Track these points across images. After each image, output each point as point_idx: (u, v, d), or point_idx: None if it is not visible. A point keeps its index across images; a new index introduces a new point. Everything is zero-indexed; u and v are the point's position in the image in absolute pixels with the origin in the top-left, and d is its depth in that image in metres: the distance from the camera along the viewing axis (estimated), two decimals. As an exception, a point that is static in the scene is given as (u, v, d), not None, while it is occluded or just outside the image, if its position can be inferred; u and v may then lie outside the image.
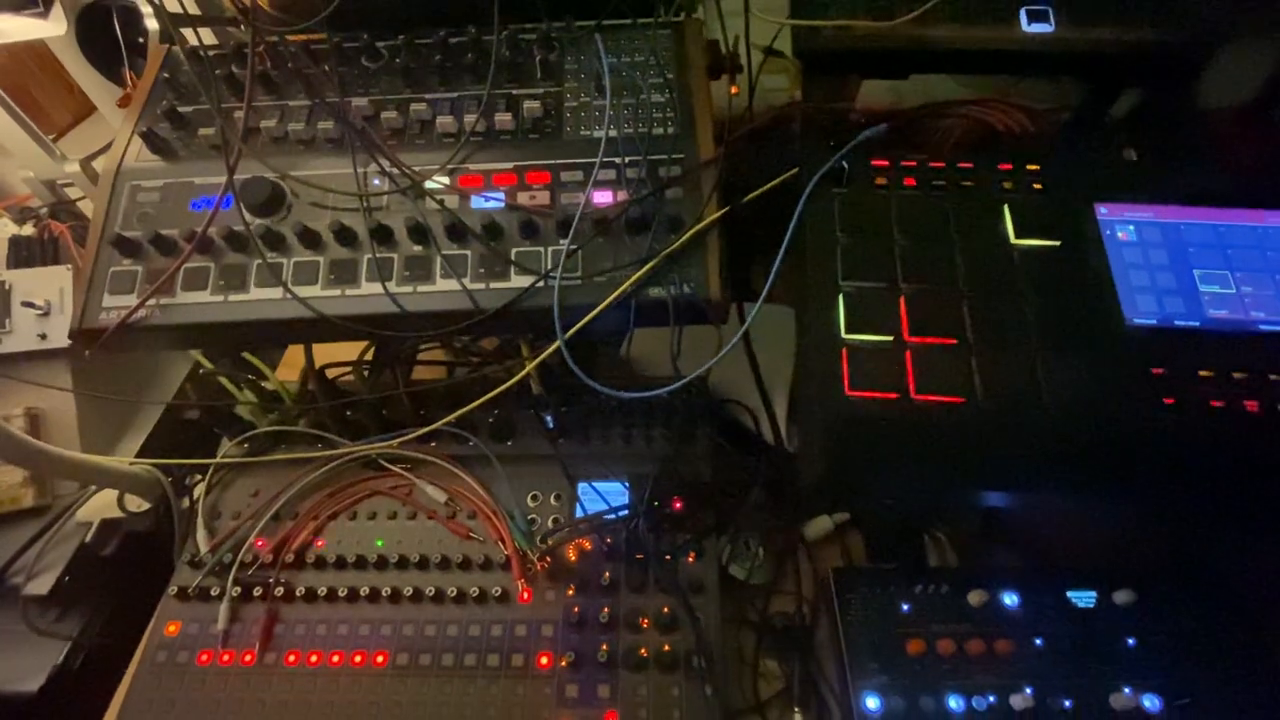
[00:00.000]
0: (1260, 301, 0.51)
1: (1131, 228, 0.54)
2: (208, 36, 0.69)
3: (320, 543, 0.67)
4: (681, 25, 0.68)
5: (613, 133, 0.61)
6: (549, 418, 0.69)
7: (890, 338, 0.51)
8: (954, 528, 0.69)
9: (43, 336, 0.74)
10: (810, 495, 0.58)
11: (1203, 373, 0.48)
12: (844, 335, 0.51)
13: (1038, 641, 0.60)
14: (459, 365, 0.77)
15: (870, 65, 0.70)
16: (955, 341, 0.50)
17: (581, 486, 0.69)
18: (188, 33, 0.67)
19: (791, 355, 0.74)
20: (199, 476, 0.73)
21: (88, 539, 0.72)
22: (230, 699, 0.59)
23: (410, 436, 0.69)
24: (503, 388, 0.62)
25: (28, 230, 0.78)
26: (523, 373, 0.60)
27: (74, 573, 0.71)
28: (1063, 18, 0.64)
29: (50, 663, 0.72)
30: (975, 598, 0.62)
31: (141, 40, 0.83)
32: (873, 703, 0.57)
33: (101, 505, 0.73)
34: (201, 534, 0.67)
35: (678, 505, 0.67)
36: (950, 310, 0.51)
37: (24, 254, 0.77)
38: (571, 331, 0.56)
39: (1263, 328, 0.50)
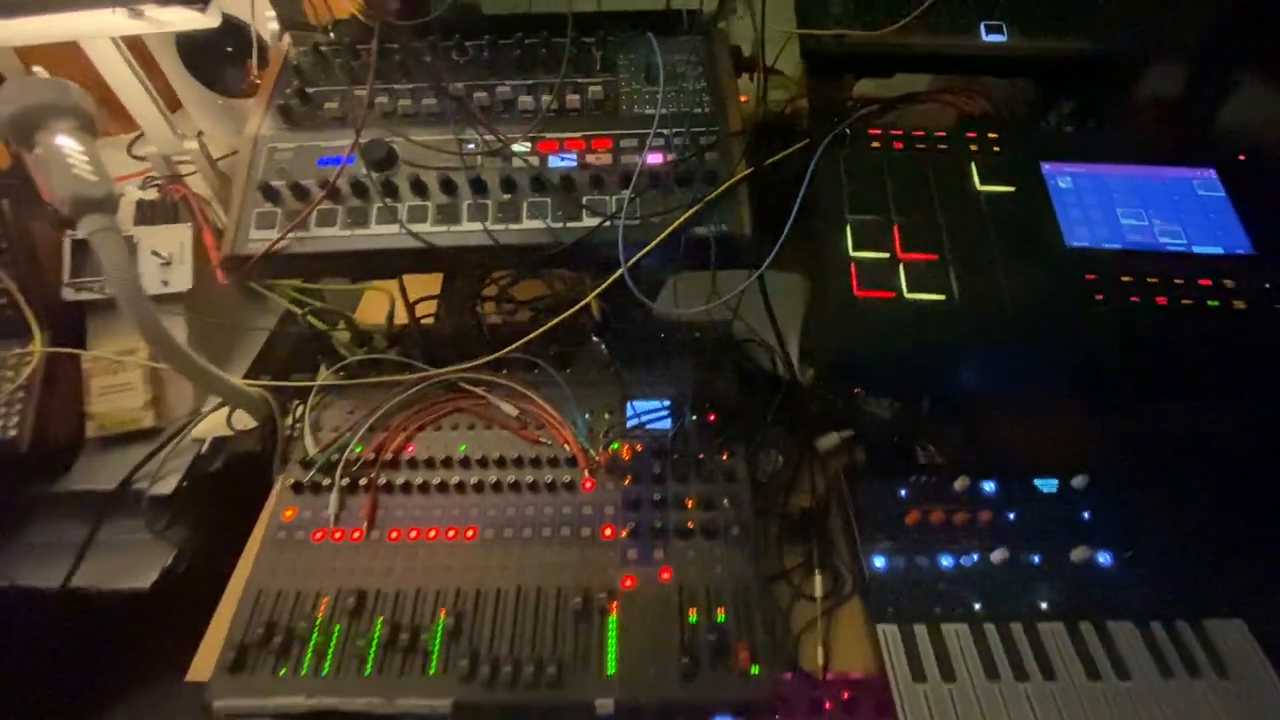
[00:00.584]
0: (1164, 230, 0.67)
1: (1069, 178, 0.70)
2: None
3: (411, 448, 0.79)
4: (712, 33, 0.85)
5: (662, 111, 0.77)
6: (603, 345, 0.83)
7: (886, 255, 0.66)
8: (939, 442, 0.82)
9: (165, 283, 0.87)
10: (827, 379, 0.71)
11: (1124, 278, 0.64)
12: (851, 253, 0.66)
13: (1011, 515, 0.73)
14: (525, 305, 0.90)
15: (862, 66, 0.87)
16: (936, 257, 0.65)
17: (630, 405, 0.82)
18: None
19: (801, 312, 0.89)
20: (298, 402, 0.85)
21: (202, 452, 0.83)
22: (344, 566, 0.70)
23: (484, 361, 0.81)
24: (569, 312, 0.75)
25: (151, 195, 0.91)
26: (588, 297, 0.74)
27: (190, 480, 0.82)
28: (1014, 31, 0.82)
29: (160, 564, 0.83)
30: (959, 483, 0.75)
31: (229, 50, 0.99)
32: (879, 562, 0.70)
33: (211, 427, 0.85)
34: (309, 440, 0.79)
35: (711, 417, 0.80)
36: (932, 236, 0.67)
37: (147, 214, 0.90)
38: (633, 260, 0.70)
39: (1168, 247, 0.66)
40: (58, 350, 0.81)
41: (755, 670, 0.63)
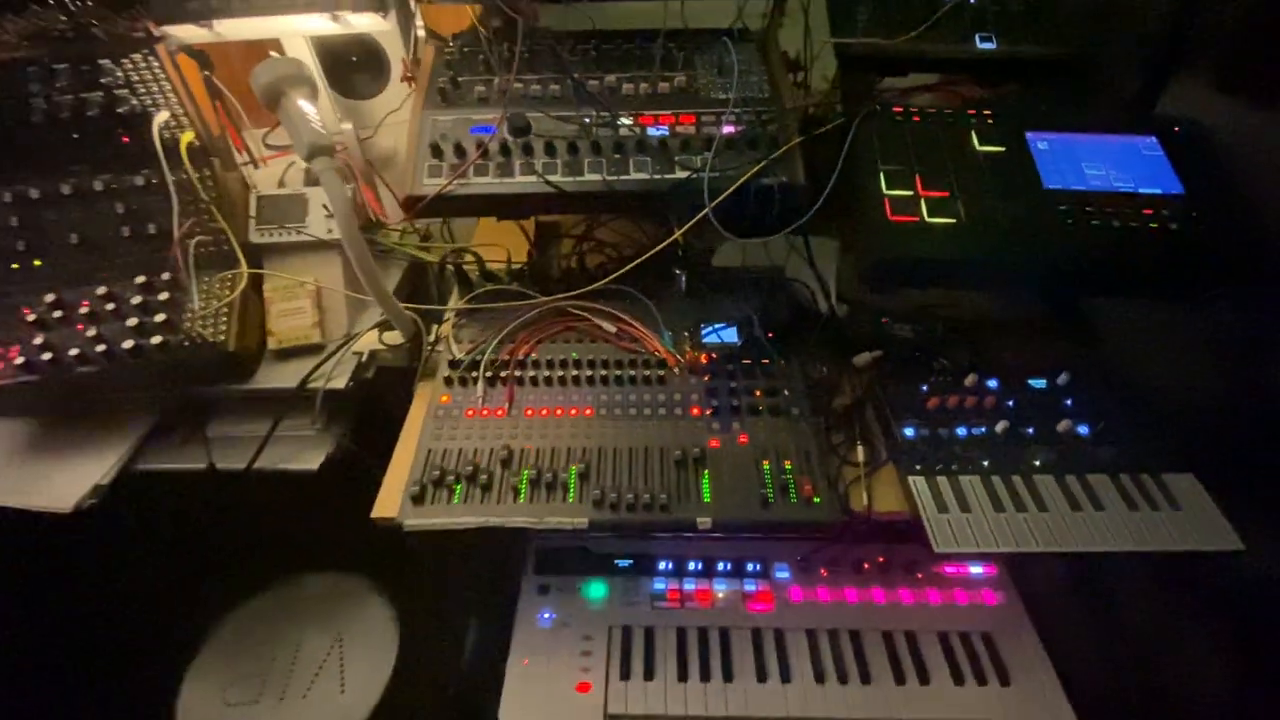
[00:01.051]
0: (1118, 177, 0.89)
1: (1046, 142, 0.93)
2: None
3: (535, 354, 0.99)
4: (767, 40, 1.09)
5: (734, 95, 1.00)
6: (684, 278, 1.04)
7: (910, 192, 0.88)
8: (950, 356, 1.03)
9: (330, 230, 1.08)
10: (868, 284, 0.91)
11: (1087, 208, 0.86)
12: (885, 191, 0.88)
13: (1010, 403, 0.93)
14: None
15: (882, 67, 1.11)
16: (948, 194, 0.88)
17: (703, 326, 1.03)
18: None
19: (834, 265, 1.11)
20: (437, 324, 1.05)
21: (362, 360, 1.03)
22: (492, 433, 0.90)
23: (586, 290, 1.02)
24: (661, 245, 0.97)
25: (316, 165, 1.13)
26: (678, 232, 0.95)
27: (354, 381, 1.02)
28: (1001, 40, 1.06)
29: (325, 452, 1.03)
30: (969, 380, 0.95)
31: (354, 59, 1.23)
32: (909, 431, 0.90)
33: (364, 344, 1.06)
34: (455, 348, 0.99)
35: (770, 335, 1.01)
36: (944, 179, 0.89)
37: (312, 178, 1.12)
38: (716, 201, 0.92)
39: (1120, 188, 0.88)
40: (258, 271, 1.02)
41: (818, 500, 0.82)
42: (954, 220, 0.86)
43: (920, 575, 0.98)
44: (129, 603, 1.15)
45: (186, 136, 0.99)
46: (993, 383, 0.96)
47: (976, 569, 0.99)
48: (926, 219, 0.86)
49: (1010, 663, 0.89)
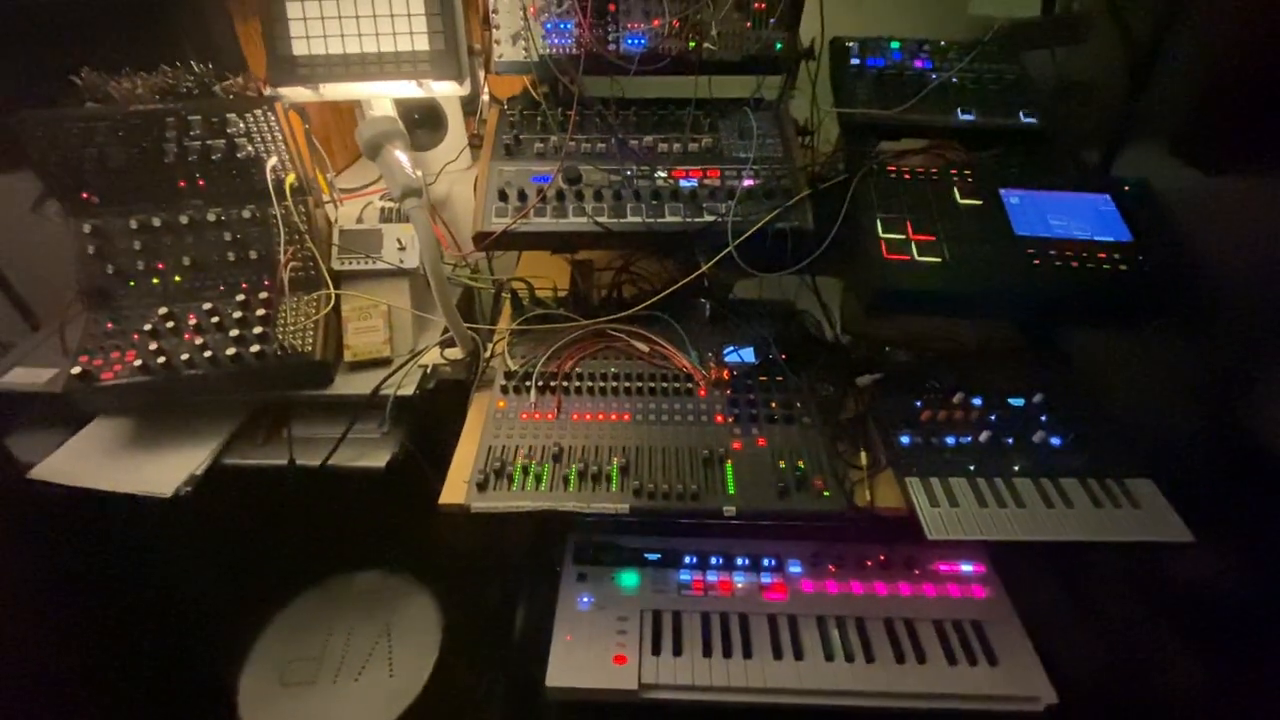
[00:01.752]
0: (1077, 227, 1.06)
1: (1018, 197, 1.11)
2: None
3: (579, 368, 1.14)
4: (779, 108, 1.28)
5: (752, 155, 1.18)
6: (708, 306, 1.20)
7: (903, 236, 1.05)
8: (940, 378, 1.18)
9: (401, 261, 1.25)
10: (867, 310, 1.07)
11: (1051, 251, 1.02)
12: (881, 234, 1.05)
13: (992, 417, 1.07)
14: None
15: (879, 132, 1.30)
16: (934, 238, 1.04)
17: (724, 348, 1.18)
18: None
19: (838, 300, 1.28)
20: (490, 343, 1.20)
21: (427, 372, 1.18)
22: (544, 434, 1.04)
23: (622, 316, 1.18)
24: (690, 278, 1.13)
25: (390, 204, 1.31)
26: (705, 266, 1.12)
27: (419, 390, 1.16)
28: (979, 113, 1.26)
29: (390, 452, 1.17)
30: (957, 398, 1.10)
31: (416, 117, 1.43)
32: (905, 440, 1.04)
33: (428, 358, 1.21)
34: (510, 361, 1.14)
35: (784, 356, 1.16)
36: (930, 226, 1.06)
37: (385, 216, 1.29)
38: (738, 241, 1.09)
39: (1079, 236, 1.05)
40: (344, 293, 1.18)
41: (827, 494, 0.96)
42: (939, 259, 1.02)
43: (917, 571, 1.10)
44: (201, 587, 1.26)
45: (290, 178, 1.17)
46: (977, 400, 1.10)
47: (967, 567, 1.11)
48: (916, 257, 1.02)
49: (997, 646, 1.00)
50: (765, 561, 1.11)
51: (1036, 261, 1.02)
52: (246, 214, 1.18)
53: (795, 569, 1.11)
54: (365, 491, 1.18)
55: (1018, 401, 1.11)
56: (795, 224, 1.11)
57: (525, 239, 1.12)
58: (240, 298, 1.15)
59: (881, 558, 1.12)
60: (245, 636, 1.22)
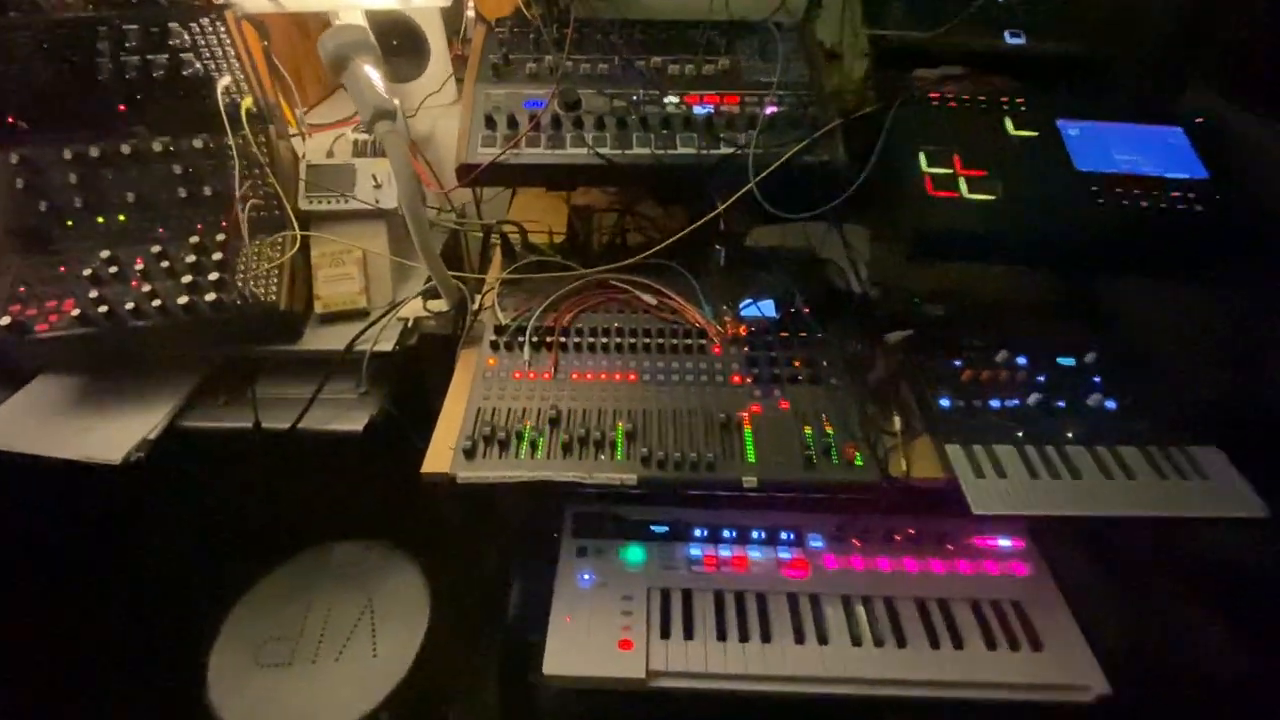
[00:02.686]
0: (1145, 163, 0.93)
1: (1077, 129, 0.97)
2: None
3: (579, 323, 1.02)
4: (805, 29, 1.13)
5: (776, 77, 1.04)
6: (723, 252, 1.07)
7: (950, 170, 0.92)
8: (977, 334, 1.06)
9: (377, 200, 1.11)
10: (908, 255, 0.95)
11: (1117, 189, 0.90)
12: (925, 169, 0.92)
13: (1041, 378, 0.96)
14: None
15: (914, 58, 1.15)
16: (985, 173, 0.91)
17: (741, 302, 1.06)
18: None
19: (865, 250, 1.15)
20: (475, 295, 1.08)
21: (408, 325, 1.06)
22: (539, 394, 0.92)
23: (627, 264, 1.05)
24: (704, 220, 1.00)
25: (363, 136, 1.16)
26: (723, 206, 0.98)
27: (399, 346, 1.04)
28: (1030, 37, 1.11)
29: (369, 414, 1.05)
30: (1001, 356, 0.98)
31: (394, 43, 1.27)
32: (945, 402, 0.93)
33: (410, 310, 1.08)
34: (500, 314, 1.01)
35: (806, 310, 1.04)
36: (980, 160, 0.93)
37: (359, 150, 1.15)
38: (761, 176, 0.95)
39: (1148, 173, 0.92)
40: (311, 234, 1.05)
41: (859, 462, 0.85)
42: (992, 196, 0.89)
43: (951, 547, 1.00)
44: (166, 560, 1.16)
45: (246, 102, 1.02)
46: (1022, 359, 0.99)
47: (1005, 542, 1.01)
48: (966, 195, 0.89)
49: (1041, 629, 0.91)
50: (783, 535, 1.01)
51: (1101, 200, 0.89)
52: (198, 144, 1.04)
53: (816, 543, 1.01)
54: (343, 456, 1.07)
55: (1067, 361, 0.99)
56: (825, 158, 0.98)
57: (516, 173, 0.98)
58: (194, 240, 1.01)
59: (911, 531, 1.02)
60: (215, 613, 1.12)
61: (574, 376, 0.95)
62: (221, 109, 0.99)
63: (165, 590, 1.19)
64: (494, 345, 0.98)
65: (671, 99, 1.02)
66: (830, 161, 0.98)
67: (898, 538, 1.02)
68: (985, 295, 1.08)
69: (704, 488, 0.84)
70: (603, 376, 0.95)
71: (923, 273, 1.07)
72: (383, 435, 1.06)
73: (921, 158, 0.93)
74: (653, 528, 1.00)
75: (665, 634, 0.90)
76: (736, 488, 0.83)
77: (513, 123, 0.98)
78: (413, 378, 1.13)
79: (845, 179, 0.97)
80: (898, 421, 0.94)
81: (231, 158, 1.02)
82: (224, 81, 1.00)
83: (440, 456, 0.88)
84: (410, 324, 1.06)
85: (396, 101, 1.16)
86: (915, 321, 1.06)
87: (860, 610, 0.94)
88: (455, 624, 1.13)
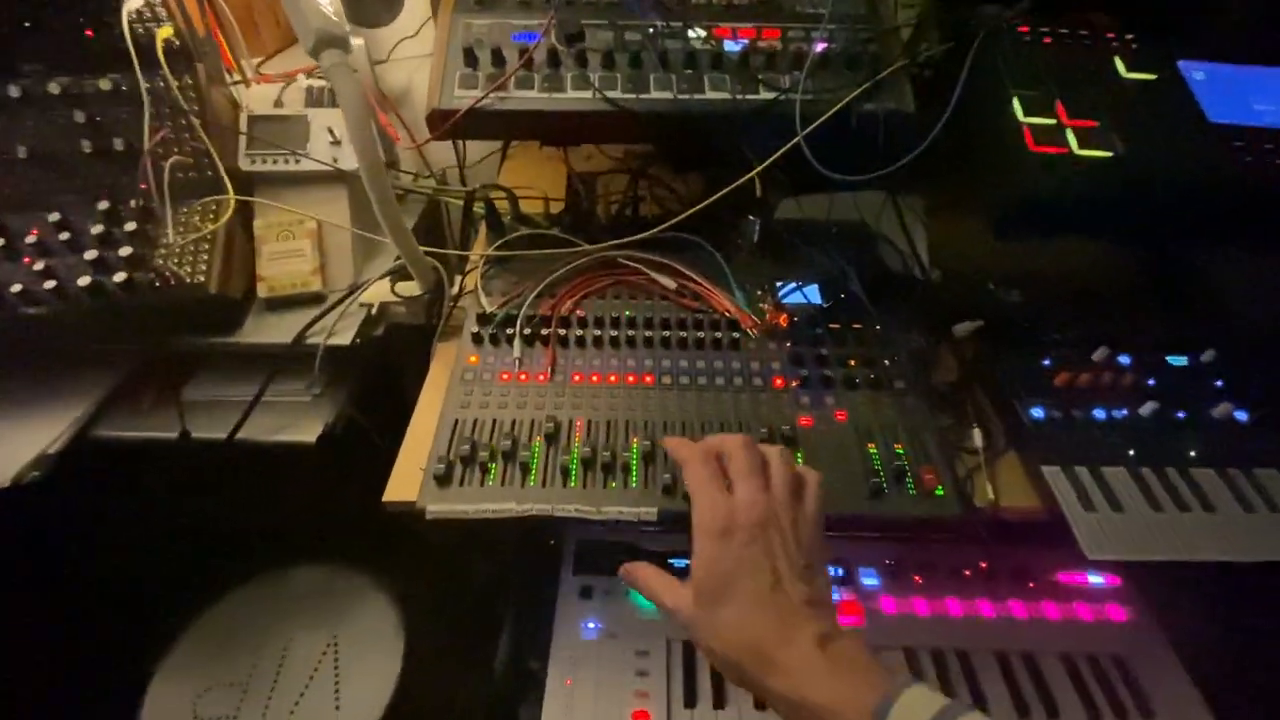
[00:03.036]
0: (1296, 113, 0.74)
1: (1203, 73, 0.78)
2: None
3: (581, 311, 0.83)
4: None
5: (827, 7, 0.84)
6: (758, 225, 0.88)
7: (1053, 120, 0.72)
8: (1064, 328, 0.88)
9: (335, 160, 0.91)
10: (1000, 229, 0.76)
11: (1267, 145, 0.71)
12: (1022, 119, 0.72)
13: (1150, 381, 0.78)
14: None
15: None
16: (1097, 124, 0.72)
17: (777, 283, 0.87)
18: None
19: (922, 226, 0.96)
20: (457, 276, 0.89)
21: (371, 313, 0.86)
22: (533, 402, 0.73)
23: (643, 237, 0.86)
24: (739, 182, 0.81)
25: (319, 82, 0.96)
26: (761, 165, 0.79)
27: (360, 339, 0.85)
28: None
29: (323, 421, 0.86)
30: (1099, 354, 0.80)
31: None
32: (1037, 413, 0.74)
33: (375, 294, 0.88)
34: (484, 300, 0.82)
35: (860, 296, 0.85)
36: (1090, 108, 0.73)
37: (314, 98, 0.95)
38: (811, 128, 0.76)
39: (1300, 126, 0.73)
40: (249, 199, 0.85)
41: (940, 491, 0.67)
42: (1110, 153, 0.70)
43: (1032, 585, 0.83)
44: (84, 595, 0.98)
45: (164, 32, 0.81)
46: (1124, 358, 0.81)
47: (1097, 578, 0.84)
48: (1076, 150, 0.70)
49: (1150, 691, 0.74)
50: (829, 570, 0.83)
51: (1249, 159, 0.70)
52: (105, 86, 0.83)
53: (870, 581, 0.83)
54: (298, 470, 0.89)
55: (1178, 360, 0.81)
56: (891, 105, 0.78)
57: (502, 122, 0.78)
58: (102, 205, 0.81)
59: (982, 565, 0.84)
60: (146, 656, 0.94)
61: (575, 379, 0.76)
62: (128, 39, 0.78)
63: (86, 631, 1.01)
64: (476, 338, 0.79)
65: (698, 31, 0.82)
66: (898, 110, 0.78)
67: (967, 573, 0.84)
68: (1070, 276, 0.90)
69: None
70: (611, 379, 0.76)
71: (996, 251, 0.88)
72: (344, 444, 0.87)
73: (1016, 105, 0.73)
74: (673, 561, 0.82)
75: (690, 702, 0.72)
76: (785, 525, 0.65)
77: (499, 59, 0.78)
78: (383, 373, 0.95)
79: (915, 132, 0.77)
80: (978, 436, 0.76)
81: (151, 100, 0.82)
82: (132, 3, 0.79)
83: (407, 481, 0.69)
84: (374, 311, 0.87)
85: (360, 42, 0.97)
86: (987, 310, 0.88)
87: (929, 667, 0.76)
88: (433, 669, 0.96)
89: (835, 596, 0.82)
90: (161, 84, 0.82)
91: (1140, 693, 0.75)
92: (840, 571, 0.84)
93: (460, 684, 0.97)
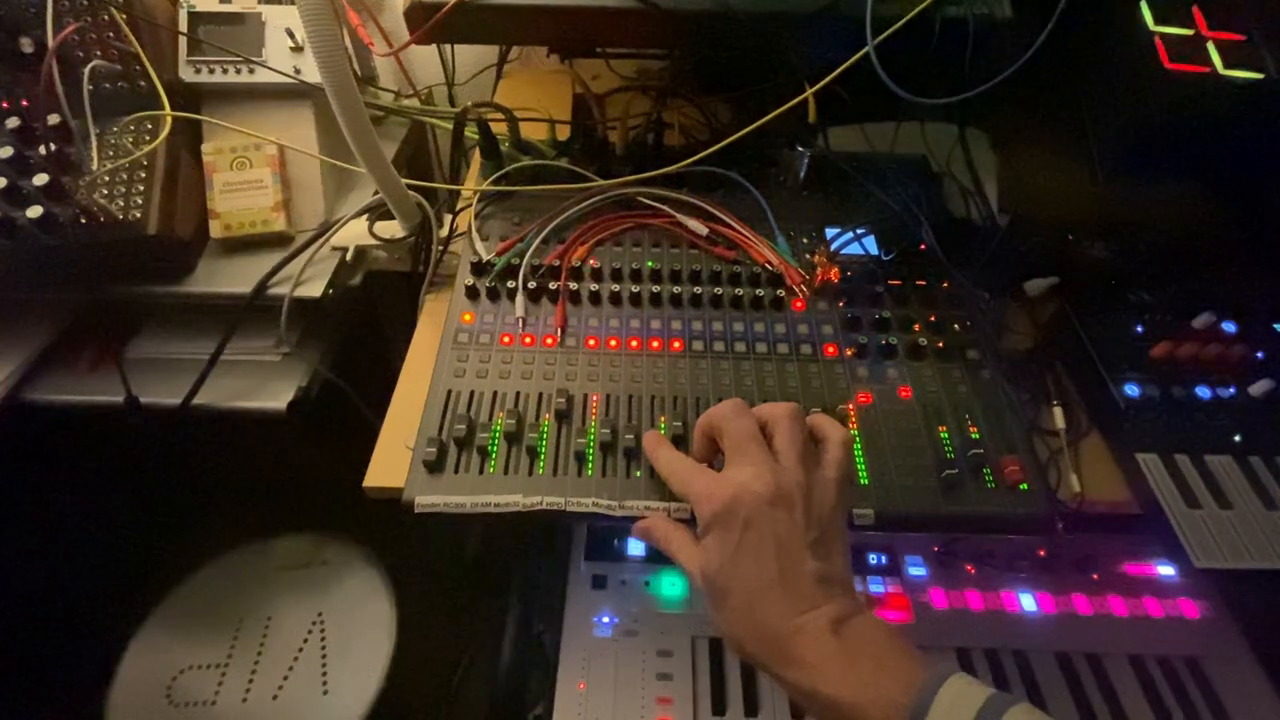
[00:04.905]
0: None
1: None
2: None
3: (594, 261, 0.70)
4: None
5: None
6: (807, 158, 0.74)
7: (1191, 31, 0.58)
8: (1154, 287, 0.76)
9: (297, 70, 0.76)
10: (1122, 164, 0.63)
11: None
12: (1154, 28, 0.58)
13: (1260, 355, 0.67)
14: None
15: None
16: (1244, 38, 0.58)
17: (827, 230, 0.74)
18: None
19: (991, 167, 0.82)
20: (448, 215, 0.75)
21: (346, 259, 0.73)
22: (540, 371, 0.61)
23: (669, 171, 0.72)
24: (791, 104, 0.66)
25: (276, -26, 0.79)
26: (823, 82, 0.65)
27: (333, 288, 0.72)
28: None
29: (295, 385, 0.74)
30: (1201, 320, 0.69)
31: None
32: (1132, 391, 0.64)
33: (350, 236, 0.75)
34: (480, 245, 0.69)
35: (922, 246, 0.73)
36: (1235, 17, 0.59)
37: (272, -5, 0.78)
38: (883, 36, 0.61)
39: None
40: (189, 116, 0.70)
41: (1025, 486, 0.56)
42: (1261, 75, 0.56)
43: (1096, 576, 0.75)
44: (38, 574, 0.88)
45: (68, -104, 0.64)
46: (1229, 325, 0.70)
47: (1166, 569, 0.76)
48: (1221, 70, 0.56)
49: (1227, 698, 0.67)
50: (872, 559, 0.74)
51: None
52: (4, -31, 0.67)
53: (917, 571, 0.74)
54: (272, 434, 0.78)
55: (1290, 328, 0.70)
56: (983, 9, 0.63)
57: (499, 19, 0.62)
58: (11, 123, 0.66)
59: (1041, 553, 0.76)
60: (118, 633, 0.86)
61: (590, 343, 0.64)
62: (20, -99, 0.61)
63: (53, 602, 0.92)
64: (471, 292, 0.67)
65: (743, -91, 0.65)
66: (992, 15, 0.63)
67: (1024, 562, 0.75)
68: (1169, 226, 0.76)
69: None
70: (632, 344, 0.64)
71: (1088, 195, 0.75)
72: (322, 408, 0.76)
73: (1145, 10, 0.59)
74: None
75: (720, 709, 0.64)
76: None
77: (495, -61, 0.62)
78: (364, 327, 0.82)
79: (1012, 43, 0.63)
80: (1059, 416, 0.65)
81: (57, -9, 0.65)
82: None
83: (391, 462, 0.58)
84: (349, 256, 0.74)
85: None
86: (1067, 264, 0.76)
87: (984, 669, 0.68)
88: (428, 646, 0.88)
89: (880, 588, 0.73)
90: (71, -35, 0.66)
91: (1216, 700, 0.67)
92: (884, 559, 0.75)
93: (459, 663, 0.90)
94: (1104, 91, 0.60)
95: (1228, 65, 0.56)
